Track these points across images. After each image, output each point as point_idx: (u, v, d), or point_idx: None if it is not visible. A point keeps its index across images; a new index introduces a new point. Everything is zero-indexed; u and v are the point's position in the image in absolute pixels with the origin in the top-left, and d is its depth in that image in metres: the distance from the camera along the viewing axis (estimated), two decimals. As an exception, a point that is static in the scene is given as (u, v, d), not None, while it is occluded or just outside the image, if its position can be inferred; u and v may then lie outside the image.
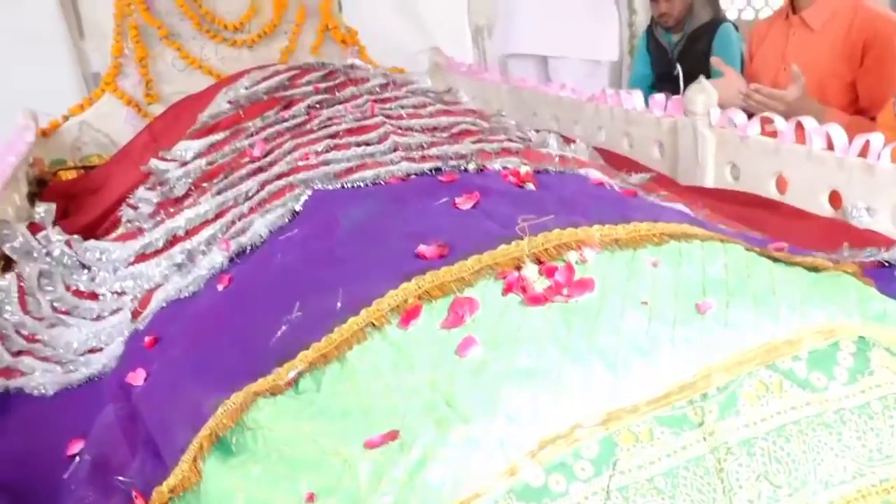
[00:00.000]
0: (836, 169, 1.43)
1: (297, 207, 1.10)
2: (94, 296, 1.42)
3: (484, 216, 0.92)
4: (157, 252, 1.30)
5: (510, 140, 1.29)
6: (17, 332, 1.33)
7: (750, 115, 2.20)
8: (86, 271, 1.53)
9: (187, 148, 1.65)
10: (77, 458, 0.93)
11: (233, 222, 1.19)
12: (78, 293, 1.46)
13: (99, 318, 1.34)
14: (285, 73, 1.68)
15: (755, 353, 0.69)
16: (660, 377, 0.66)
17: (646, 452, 0.65)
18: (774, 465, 0.68)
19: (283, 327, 0.84)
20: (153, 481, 0.77)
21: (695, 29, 3.18)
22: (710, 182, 1.74)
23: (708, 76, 2.92)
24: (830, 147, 1.46)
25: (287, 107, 1.52)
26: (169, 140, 2.02)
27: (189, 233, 1.26)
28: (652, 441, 0.66)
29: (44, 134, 2.56)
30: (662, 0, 3.15)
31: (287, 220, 1.09)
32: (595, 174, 1.15)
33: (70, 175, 2.38)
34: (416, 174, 1.11)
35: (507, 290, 0.77)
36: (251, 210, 1.18)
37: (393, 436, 0.65)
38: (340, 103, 1.48)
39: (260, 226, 1.10)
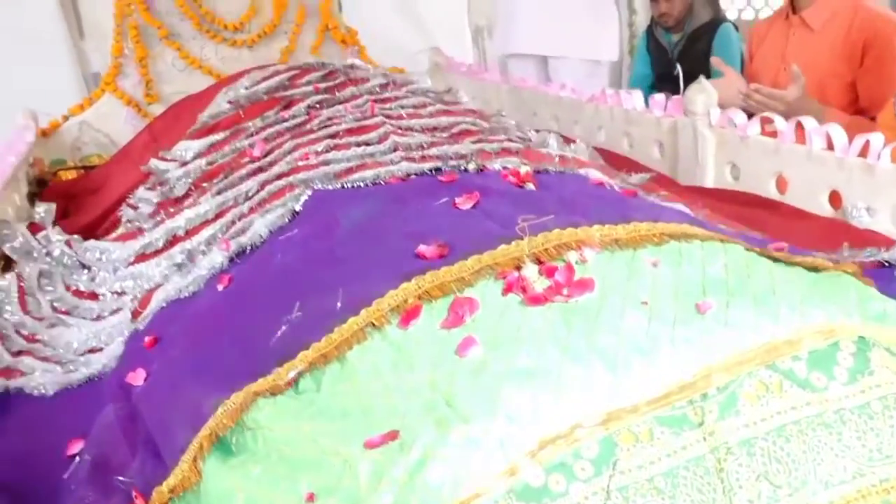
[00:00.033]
0: (836, 169, 1.43)
1: (297, 207, 1.10)
2: (94, 296, 1.42)
3: (484, 216, 0.91)
4: (157, 252, 1.30)
5: (510, 140, 1.29)
6: (17, 332, 1.32)
7: (750, 115, 2.20)
8: (86, 271, 1.53)
9: (187, 148, 1.65)
10: (77, 458, 0.93)
11: (233, 222, 1.19)
12: (78, 293, 1.46)
13: (99, 318, 1.34)
14: (285, 73, 1.68)
15: (755, 354, 0.69)
16: (660, 377, 0.66)
17: (646, 452, 0.65)
18: (774, 465, 0.68)
19: (284, 327, 0.84)
20: (153, 481, 0.77)
21: (695, 29, 3.18)
22: (710, 182, 1.74)
23: (708, 76, 2.92)
24: (830, 147, 1.46)
25: (287, 107, 1.52)
26: (169, 140, 2.02)
27: (189, 233, 1.26)
28: (652, 441, 0.66)
29: (44, 134, 2.56)
30: (662, 0, 3.15)
31: (287, 220, 1.09)
32: (595, 174, 1.15)
33: (70, 175, 2.38)
34: (416, 174, 1.11)
35: (508, 290, 0.77)
36: (251, 210, 1.18)
37: (393, 436, 0.65)
38: (340, 103, 1.48)
39: (260, 226, 1.10)
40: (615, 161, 1.89)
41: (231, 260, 1.10)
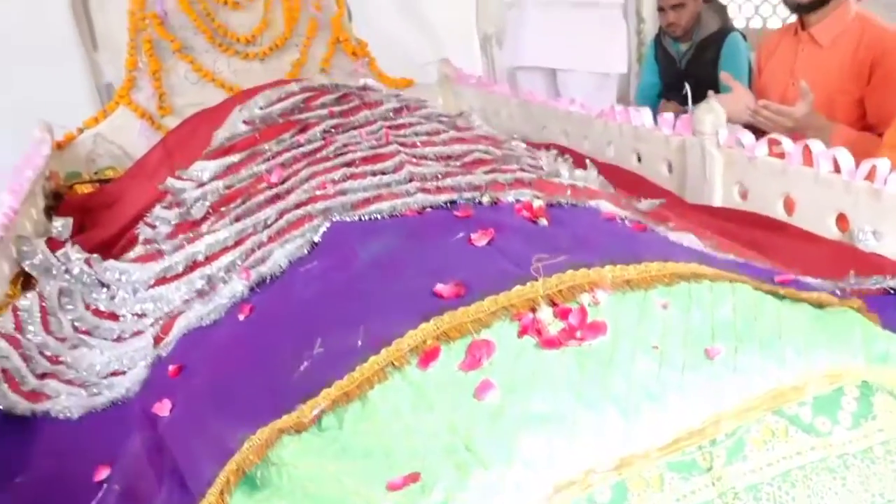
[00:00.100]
0: (843, 192, 1.45)
1: (316, 239, 1.13)
2: (113, 316, 1.45)
3: (499, 254, 0.94)
4: (177, 276, 1.33)
5: (522, 170, 1.32)
6: (41, 352, 1.36)
7: (757, 131, 2.22)
8: (105, 290, 1.56)
9: (204, 168, 1.68)
10: (105, 486, 0.96)
11: (252, 250, 1.22)
12: (98, 313, 1.49)
13: (120, 338, 1.37)
14: (300, 95, 1.70)
15: (762, 400, 0.71)
16: (670, 423, 0.69)
17: (656, 498, 0.68)
18: (780, 509, 0.70)
19: (305, 362, 0.87)
20: (180, 512, 0.80)
21: (703, 38, 3.19)
22: (718, 201, 1.76)
23: (716, 85, 2.94)
24: (838, 170, 1.48)
25: (303, 130, 1.55)
26: (183, 155, 2.05)
27: (209, 258, 1.30)
28: (662, 487, 0.68)
29: (59, 146, 2.60)
30: (670, 10, 3.17)
31: (306, 251, 1.12)
32: (606, 206, 1.17)
33: (86, 189, 2.41)
34: (431, 207, 1.14)
35: (523, 332, 0.79)
36: (270, 239, 1.21)
37: (414, 478, 0.68)
38: (355, 128, 1.51)
39: (280, 256, 1.13)
40: (624, 178, 1.92)
41: (251, 289, 1.13)
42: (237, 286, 1.14)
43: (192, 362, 1.05)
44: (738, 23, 3.57)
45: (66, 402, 1.17)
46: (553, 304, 0.83)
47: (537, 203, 1.10)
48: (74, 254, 1.70)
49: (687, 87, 2.56)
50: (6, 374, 1.23)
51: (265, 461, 0.79)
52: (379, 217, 1.13)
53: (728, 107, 2.11)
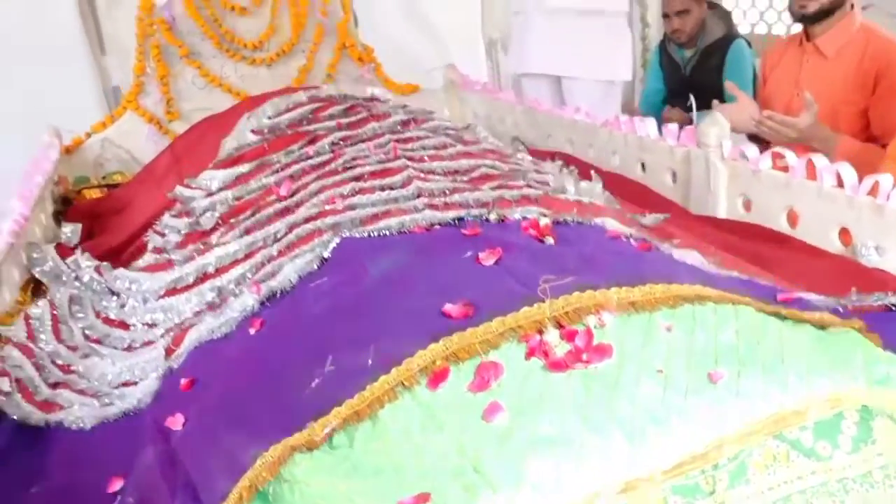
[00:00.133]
0: (847, 207, 1.47)
1: (326, 254, 1.15)
2: (124, 325, 1.47)
3: (506, 273, 0.96)
4: (188, 287, 1.35)
5: (529, 185, 1.34)
6: (53, 361, 1.38)
7: (761, 140, 2.23)
8: (115, 298, 1.58)
9: (212, 178, 1.69)
10: (118, 497, 0.98)
11: (262, 263, 1.24)
12: (108, 321, 1.51)
13: (130, 348, 1.39)
14: (308, 106, 1.72)
15: (764, 424, 0.73)
16: (674, 447, 0.71)
17: (661, 521, 0.70)
18: (781, 532, 0.72)
19: (317, 380, 0.89)
20: (193, 527, 0.82)
21: (708, 45, 3.20)
22: (722, 212, 1.78)
23: (720, 92, 2.95)
24: (841, 184, 1.49)
25: (311, 142, 1.57)
26: (191, 161, 2.07)
27: (219, 270, 1.31)
28: (666, 510, 0.70)
29: (67, 151, 2.62)
30: (675, 16, 3.18)
31: (316, 267, 1.14)
32: (612, 224, 1.19)
33: (94, 193, 2.43)
34: (439, 224, 1.16)
35: (530, 353, 0.81)
36: (280, 253, 1.23)
37: (424, 498, 0.70)
38: (363, 141, 1.52)
39: (290, 271, 1.15)
40: (629, 188, 1.93)
41: (262, 303, 1.15)
42: (248, 300, 1.16)
43: (204, 376, 1.07)
44: (742, 28, 3.58)
45: (78, 413, 1.19)
46: (560, 325, 0.84)
47: (544, 221, 1.11)
48: (84, 261, 1.71)
49: (692, 98, 2.58)
50: (20, 384, 1.25)
51: (277, 478, 0.81)
52: (388, 233, 1.15)
53: (732, 116, 2.13)
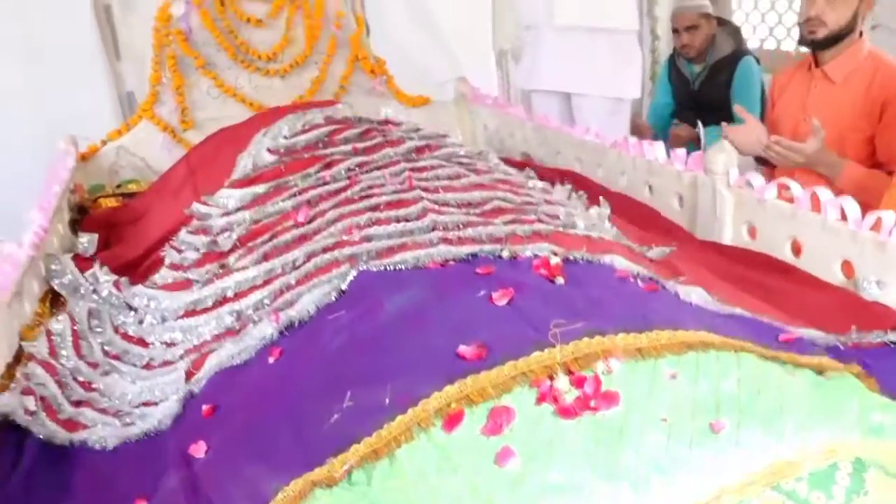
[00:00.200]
0: (849, 241, 1.50)
1: (344, 287, 1.19)
2: (142, 342, 1.51)
3: (518, 315, 1.00)
4: (207, 309, 1.40)
5: (540, 220, 1.37)
6: (74, 378, 1.42)
7: (767, 163, 2.26)
8: (132, 313, 1.62)
9: (229, 196, 1.74)
10: (142, 521, 1.03)
11: (280, 291, 1.28)
12: (126, 337, 1.55)
13: (149, 366, 1.43)
14: (324, 128, 1.76)
15: (762, 475, 0.77)
16: (677, 497, 0.75)
17: (664, 569, 0.73)
18: (776, 583, 0.75)
19: (336, 415, 0.93)
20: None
21: (717, 60, 3.23)
22: (727, 238, 1.81)
23: (728, 107, 2.98)
24: (845, 217, 1.52)
25: (327, 166, 1.61)
26: (206, 175, 2.11)
27: (237, 295, 1.36)
28: (669, 559, 0.74)
29: (83, 158, 2.66)
30: (684, 32, 3.21)
31: (334, 298, 1.18)
32: (620, 262, 1.23)
33: (110, 202, 2.47)
34: (454, 260, 1.20)
35: (541, 399, 0.85)
36: (298, 282, 1.27)
37: (439, 540, 0.74)
38: (378, 168, 1.56)
39: (308, 301, 1.19)
40: (637, 211, 1.97)
41: (280, 332, 1.19)
42: (267, 329, 1.20)
43: (225, 403, 1.11)
44: (752, 44, 3.61)
45: (101, 432, 1.23)
46: (569, 371, 0.88)
47: (554, 261, 1.15)
48: (103, 276, 1.76)
49: (700, 125, 2.61)
50: (44, 402, 1.29)
51: (298, 512, 0.85)
52: (403, 267, 1.19)
53: (740, 139, 2.16)
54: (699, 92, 3.25)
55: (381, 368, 0.97)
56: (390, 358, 0.99)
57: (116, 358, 1.49)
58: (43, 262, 1.84)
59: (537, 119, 2.54)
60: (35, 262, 1.78)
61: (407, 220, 1.34)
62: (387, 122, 1.86)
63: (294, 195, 1.55)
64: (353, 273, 1.20)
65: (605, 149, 2.20)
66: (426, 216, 1.34)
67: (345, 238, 1.32)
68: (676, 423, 0.81)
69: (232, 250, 1.53)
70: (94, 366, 1.47)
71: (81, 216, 2.39)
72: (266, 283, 1.33)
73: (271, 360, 1.15)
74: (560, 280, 1.11)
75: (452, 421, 0.84)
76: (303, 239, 1.39)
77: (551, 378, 0.87)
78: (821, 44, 2.12)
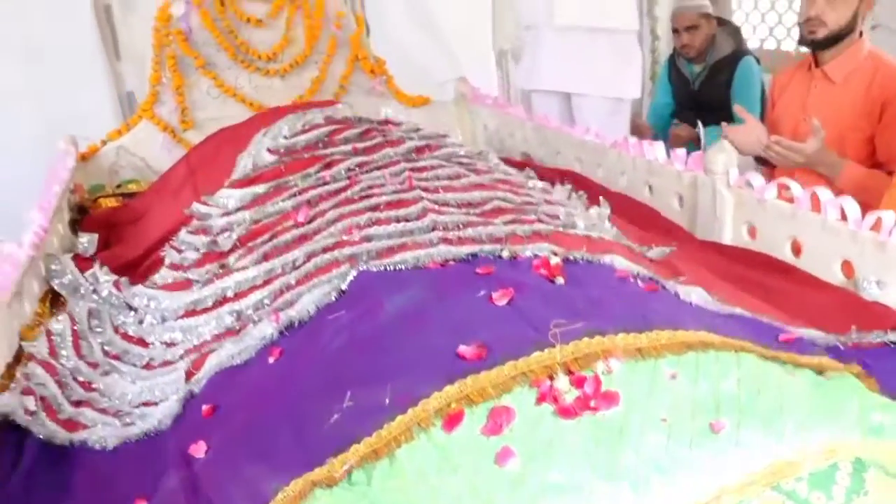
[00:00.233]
0: (849, 241, 1.50)
1: (344, 287, 1.19)
2: (142, 342, 1.51)
3: (518, 315, 1.00)
4: (207, 309, 1.40)
5: (540, 220, 1.37)
6: (74, 378, 1.42)
7: (767, 162, 2.26)
8: (132, 313, 1.62)
9: (229, 196, 1.74)
10: (142, 521, 1.03)
11: (280, 291, 1.28)
12: (126, 337, 1.55)
13: (149, 366, 1.43)
14: (324, 128, 1.76)
15: (762, 475, 0.77)
16: (678, 497, 0.75)
17: (663, 569, 0.73)
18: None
19: (336, 415, 0.93)
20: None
21: (717, 60, 3.24)
22: (727, 238, 1.81)
23: (729, 108, 2.98)
24: (845, 217, 1.52)
25: (327, 166, 1.61)
26: (206, 174, 2.11)
27: (238, 295, 1.36)
28: (668, 558, 0.74)
29: (83, 158, 2.67)
30: (684, 32, 3.21)
31: (334, 298, 1.18)
32: (620, 262, 1.23)
33: (110, 202, 2.47)
34: (453, 260, 1.20)
35: (541, 399, 0.85)
36: (298, 282, 1.27)
37: (439, 540, 0.74)
38: (378, 168, 1.57)
39: (308, 301, 1.19)
40: (637, 210, 1.97)
41: (280, 332, 1.19)
42: (267, 329, 1.20)
43: (225, 403, 1.11)
44: (752, 44, 3.61)
45: (101, 432, 1.23)
46: (569, 371, 0.88)
47: (554, 261, 1.15)
48: (103, 276, 1.76)
49: (700, 126, 2.61)
50: (44, 403, 1.29)
51: (298, 512, 0.85)
52: (403, 267, 1.19)
53: (740, 139, 2.16)
54: (699, 92, 3.25)
55: (381, 368, 0.97)
56: (390, 358, 0.99)
57: (116, 358, 1.49)
58: (43, 262, 1.84)
59: (537, 119, 2.55)
60: (35, 262, 1.78)
61: (407, 220, 1.34)
62: (387, 122, 1.86)
63: (294, 195, 1.55)
64: (353, 273, 1.20)
65: (605, 149, 2.20)
66: (426, 216, 1.34)
67: (345, 238, 1.32)
68: (676, 424, 0.81)
69: (232, 250, 1.53)
70: (94, 366, 1.47)
71: (81, 216, 2.39)
72: (266, 283, 1.33)
73: (271, 360, 1.15)
74: (560, 280, 1.11)
75: (452, 421, 0.85)
76: (303, 239, 1.39)
77: (551, 378, 0.87)
78: (821, 44, 2.12)
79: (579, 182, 2.12)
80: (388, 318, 1.06)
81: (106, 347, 1.52)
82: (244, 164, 1.89)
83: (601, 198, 1.82)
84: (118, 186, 2.64)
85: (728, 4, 3.77)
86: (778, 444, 0.79)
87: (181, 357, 1.36)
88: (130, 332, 1.56)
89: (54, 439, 1.22)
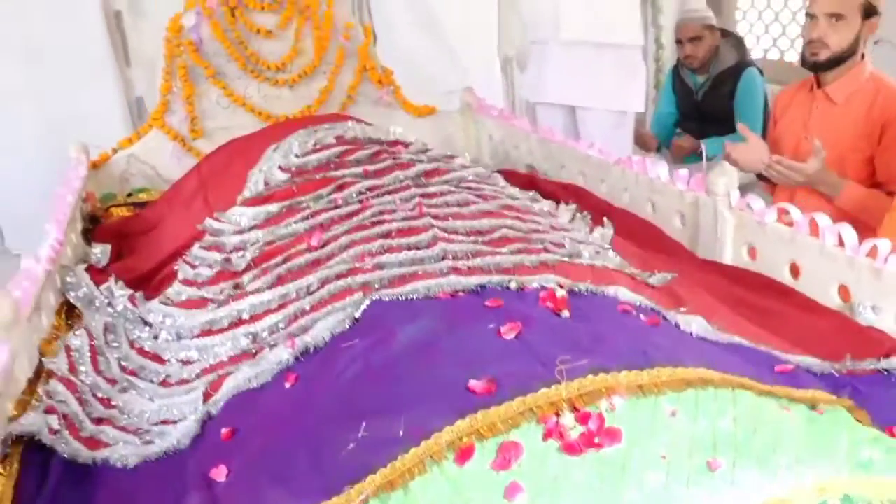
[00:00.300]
0: (846, 267, 1.55)
1: (357, 315, 1.23)
2: (158, 358, 1.55)
3: (526, 350, 1.04)
4: (222, 330, 1.44)
5: (546, 250, 1.42)
6: (94, 395, 1.46)
7: (768, 180, 2.30)
8: (147, 328, 1.67)
9: (242, 214, 1.78)
10: (165, 543, 1.07)
11: (295, 316, 1.33)
12: (142, 352, 1.59)
13: (165, 382, 1.48)
14: (335, 148, 1.80)
15: (756, 515, 0.81)
16: (676, 535, 0.79)
17: None
18: None
19: (352, 444, 0.97)
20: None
21: (720, 71, 3.27)
22: (728, 258, 1.86)
23: (731, 119, 3.01)
24: (842, 244, 1.57)
25: (339, 188, 1.66)
26: (217, 188, 2.16)
27: (253, 317, 1.40)
28: None
29: (94, 166, 2.71)
30: (688, 42, 3.25)
31: (347, 326, 1.23)
32: (623, 294, 1.27)
33: (122, 212, 2.52)
34: (463, 291, 1.24)
35: (547, 435, 0.90)
36: (313, 308, 1.32)
37: (452, 572, 0.79)
38: (389, 192, 1.61)
39: (323, 328, 1.23)
40: (640, 228, 2.01)
41: (296, 357, 1.24)
42: (283, 354, 1.24)
43: (243, 427, 1.16)
44: (755, 54, 3.64)
45: (123, 451, 1.27)
46: (574, 407, 0.93)
47: (560, 293, 1.20)
48: (118, 290, 1.80)
49: (704, 146, 2.64)
50: (67, 420, 1.34)
51: (317, 540, 0.90)
52: (415, 297, 1.23)
53: (742, 157, 2.21)
54: (702, 102, 3.28)
55: (394, 399, 1.01)
56: (404, 389, 1.03)
57: (133, 374, 1.53)
58: (58, 274, 1.88)
59: (542, 132, 2.58)
60: (51, 275, 1.83)
61: (418, 248, 1.39)
62: (396, 142, 1.90)
63: (307, 217, 1.59)
64: (367, 302, 1.24)
65: (609, 165, 2.24)
66: (436, 244, 1.39)
67: (357, 265, 1.36)
68: (675, 461, 0.86)
69: (246, 270, 1.58)
70: (112, 382, 1.50)
71: (93, 225, 2.43)
72: (281, 307, 1.38)
73: (287, 385, 1.19)
74: (566, 313, 1.16)
75: (464, 455, 0.89)
76: (316, 263, 1.43)
77: (557, 414, 0.91)
78: (823, 66, 2.16)
79: (583, 198, 2.16)
80: (400, 348, 1.11)
81: (123, 363, 1.56)
82: (256, 180, 1.93)
83: (605, 218, 1.86)
84: (129, 195, 2.69)
85: (732, 15, 3.80)
86: (771, 483, 0.84)
87: (197, 376, 1.40)
88: (146, 348, 1.59)
89: (78, 458, 1.26)
